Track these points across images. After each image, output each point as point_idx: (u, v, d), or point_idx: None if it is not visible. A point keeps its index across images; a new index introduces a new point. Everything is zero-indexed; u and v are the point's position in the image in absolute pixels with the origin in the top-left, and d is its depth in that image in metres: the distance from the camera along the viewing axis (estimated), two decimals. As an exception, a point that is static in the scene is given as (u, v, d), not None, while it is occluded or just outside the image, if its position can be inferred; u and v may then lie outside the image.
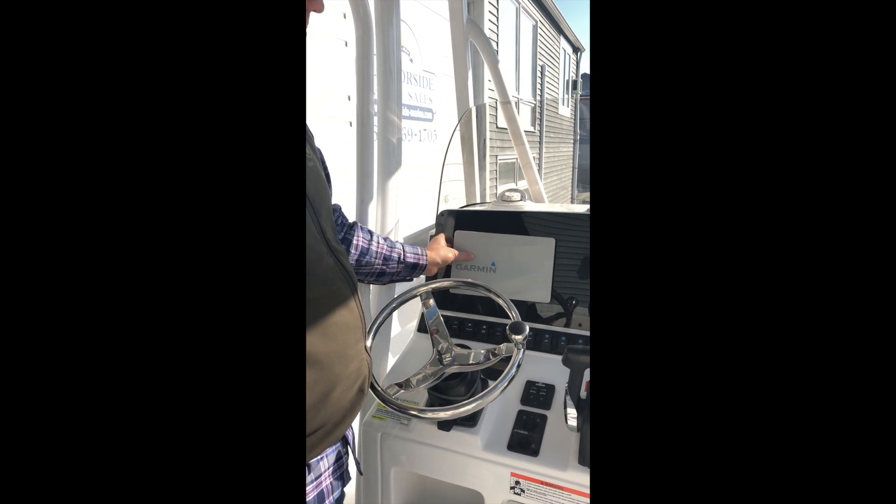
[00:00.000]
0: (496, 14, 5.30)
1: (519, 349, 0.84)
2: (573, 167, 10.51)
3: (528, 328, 0.85)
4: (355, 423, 1.09)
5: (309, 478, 0.69)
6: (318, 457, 0.70)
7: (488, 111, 1.91)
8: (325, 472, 0.72)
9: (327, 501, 0.72)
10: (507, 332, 0.85)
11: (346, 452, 0.78)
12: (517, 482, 0.88)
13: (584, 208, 1.29)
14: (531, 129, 7.63)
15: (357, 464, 0.82)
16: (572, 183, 10.29)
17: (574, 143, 10.55)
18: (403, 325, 1.39)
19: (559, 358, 0.85)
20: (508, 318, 0.93)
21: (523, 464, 0.87)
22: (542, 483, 0.86)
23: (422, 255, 1.09)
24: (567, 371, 0.83)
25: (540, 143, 7.86)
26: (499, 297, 0.98)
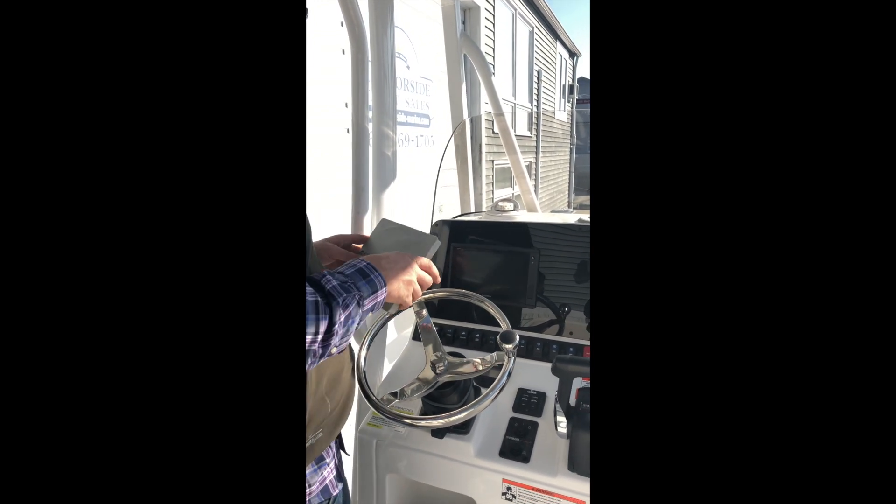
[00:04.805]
0: (492, 20, 5.34)
1: (510, 358, 0.86)
2: (570, 171, 10.54)
3: (518, 337, 0.87)
4: (351, 430, 1.11)
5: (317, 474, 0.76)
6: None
7: (484, 120, 1.94)
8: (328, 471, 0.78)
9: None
10: (499, 341, 0.87)
11: (340, 453, 0.84)
12: (508, 488, 0.90)
13: (574, 218, 1.32)
14: (528, 134, 7.66)
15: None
16: (569, 187, 10.32)
17: (570, 148, 10.58)
18: (400, 331, 1.41)
19: (550, 366, 0.88)
20: (500, 327, 0.95)
21: (515, 470, 0.90)
22: (532, 489, 0.88)
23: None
24: (557, 380, 0.86)
25: (536, 148, 7.89)
26: (490, 307, 1.00)
